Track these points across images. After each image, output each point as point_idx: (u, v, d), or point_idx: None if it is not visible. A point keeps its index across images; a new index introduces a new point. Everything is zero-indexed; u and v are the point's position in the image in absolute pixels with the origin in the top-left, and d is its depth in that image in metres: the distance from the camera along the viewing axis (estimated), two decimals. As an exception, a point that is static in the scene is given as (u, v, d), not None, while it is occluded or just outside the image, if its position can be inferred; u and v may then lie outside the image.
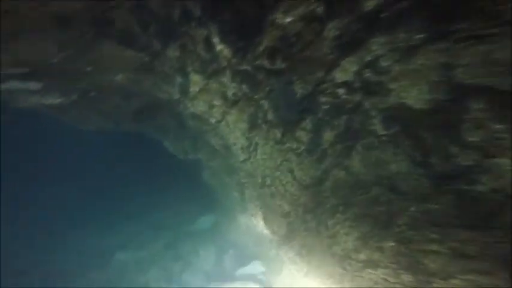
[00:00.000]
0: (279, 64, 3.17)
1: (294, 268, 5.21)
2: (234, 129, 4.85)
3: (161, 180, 8.58)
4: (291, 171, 4.14)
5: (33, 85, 4.38)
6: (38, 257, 6.76)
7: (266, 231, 5.47)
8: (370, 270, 2.56)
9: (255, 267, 6.34)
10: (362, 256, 2.79)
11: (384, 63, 2.24)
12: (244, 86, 4.08)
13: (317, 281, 4.71)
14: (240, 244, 6.69)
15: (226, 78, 4.23)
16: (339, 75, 2.72)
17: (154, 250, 6.71)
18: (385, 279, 2.31)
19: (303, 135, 3.70)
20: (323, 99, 3.12)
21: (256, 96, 4.03)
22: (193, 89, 4.72)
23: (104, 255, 6.60)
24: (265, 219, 5.32)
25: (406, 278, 2.13)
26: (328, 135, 3.39)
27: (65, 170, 10.04)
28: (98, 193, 8.83)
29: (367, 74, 2.42)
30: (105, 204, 8.41)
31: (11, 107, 4.81)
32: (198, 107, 4.96)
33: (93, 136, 7.71)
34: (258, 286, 5.80)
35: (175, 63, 4.62)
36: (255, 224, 5.74)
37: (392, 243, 2.31)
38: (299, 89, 3.24)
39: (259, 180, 4.83)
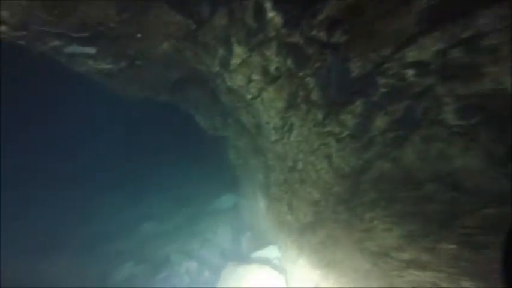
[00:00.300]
0: (338, 37, 2.87)
1: (314, 257, 5.05)
2: (269, 107, 4.63)
3: (188, 155, 8.66)
4: (328, 157, 3.89)
5: (90, 49, 4.50)
6: (70, 223, 7.10)
7: (289, 218, 5.32)
8: (414, 271, 2.32)
9: (271, 252, 6.26)
10: (405, 255, 2.55)
11: (487, 42, 1.88)
12: (289, 61, 3.81)
13: (338, 273, 4.53)
14: (258, 227, 6.63)
15: (270, 51, 3.98)
16: (412, 54, 2.38)
17: (176, 224, 6.84)
18: (435, 283, 2.07)
19: (348, 119, 3.41)
20: (382, 80, 2.79)
21: (301, 73, 3.76)
22: (235, 61, 4.52)
23: (132, 224, 6.83)
24: (289, 205, 5.16)
25: (469, 285, 1.88)
26: (379, 122, 3.09)
27: (98, 139, 10.33)
28: (129, 162, 9.11)
29: (455, 54, 2.06)
30: (136, 174, 8.66)
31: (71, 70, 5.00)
32: (236, 81, 4.77)
33: (130, 105, 7.86)
34: (273, 270, 5.71)
35: (220, 33, 4.43)
36: (277, 209, 5.60)
37: (453, 246, 2.04)
38: (356, 68, 2.93)
39: (290, 164, 4.64)
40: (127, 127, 9.95)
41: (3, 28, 3.91)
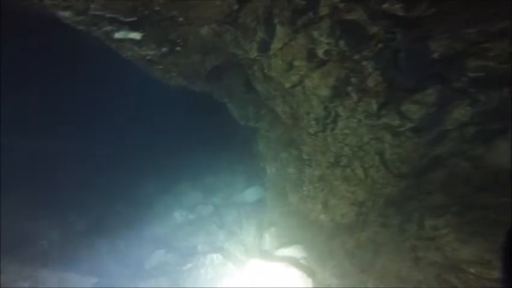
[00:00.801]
0: (421, 10, 2.37)
1: (349, 261, 4.61)
2: (311, 96, 4.19)
3: (218, 144, 8.44)
4: (381, 153, 3.42)
5: (135, 35, 4.40)
6: (107, 207, 6.99)
7: (322, 217, 4.89)
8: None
9: (297, 251, 5.86)
10: (495, 273, 2.08)
11: None
12: (342, 42, 3.35)
13: (377, 281, 4.07)
14: (284, 224, 6.26)
15: (319, 32, 3.52)
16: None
17: (202, 215, 6.63)
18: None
19: (414, 110, 2.92)
20: (474, 63, 2.29)
21: (356, 56, 3.28)
22: (275, 45, 4.10)
23: (164, 212, 6.64)
24: (324, 203, 4.73)
25: None
26: (459, 113, 2.58)
27: (135, 125, 10.06)
28: (161, 149, 8.95)
29: None
30: (167, 161, 8.52)
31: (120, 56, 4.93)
32: (275, 67, 4.36)
33: (165, 94, 7.64)
34: (300, 271, 5.32)
35: (261, 13, 4.02)
36: (309, 207, 5.19)
37: None
38: (438, 47, 2.43)
39: (331, 160, 4.19)
40: (163, 115, 9.73)
41: (68, 13, 3.85)
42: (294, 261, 5.82)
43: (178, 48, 4.70)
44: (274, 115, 5.71)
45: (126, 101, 9.54)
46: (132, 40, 4.43)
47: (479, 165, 2.49)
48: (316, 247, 5.52)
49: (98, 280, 5.12)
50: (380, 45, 2.91)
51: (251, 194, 7.00)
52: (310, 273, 5.44)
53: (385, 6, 2.59)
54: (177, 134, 9.20)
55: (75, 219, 6.35)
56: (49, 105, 8.38)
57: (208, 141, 8.62)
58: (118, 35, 4.31)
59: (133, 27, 4.23)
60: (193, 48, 4.78)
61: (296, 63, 4.07)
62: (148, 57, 4.86)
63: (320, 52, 3.66)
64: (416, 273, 3.32)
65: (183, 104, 8.62)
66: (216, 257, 5.34)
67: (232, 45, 4.74)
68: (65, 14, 3.92)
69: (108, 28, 4.20)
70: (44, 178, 7.01)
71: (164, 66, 5.72)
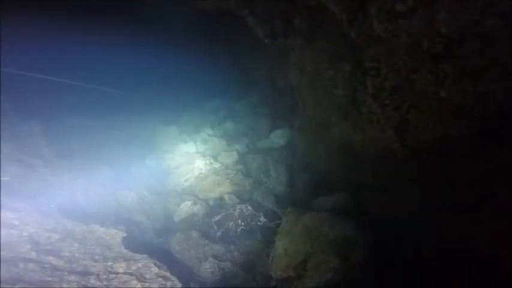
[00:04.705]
0: None
1: (433, 213, 2.96)
2: None
3: (237, 82, 6.73)
4: None
5: None
6: (133, 156, 5.56)
7: (394, 146, 3.17)
8: None
9: (342, 200, 4.25)
10: None
11: None
12: None
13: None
14: (322, 167, 4.62)
15: None
16: None
17: (226, 162, 5.17)
18: None
19: None
20: None
21: None
22: None
23: (187, 160, 5.19)
24: (401, 126, 2.99)
25: None
26: None
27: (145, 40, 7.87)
28: (183, 95, 7.22)
29: None
30: (191, 105, 6.84)
31: None
32: None
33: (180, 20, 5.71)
34: (350, 221, 3.71)
35: None
36: (369, 136, 3.47)
37: None
38: None
39: (435, 49, 2.35)
40: (174, 34, 7.62)
41: None
42: (337, 211, 4.22)
43: None
44: (313, 22, 3.76)
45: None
46: None
47: None
48: (370, 194, 3.88)
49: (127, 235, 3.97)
50: None
51: (278, 137, 5.37)
52: (363, 224, 3.81)
53: None
54: (180, 66, 7.24)
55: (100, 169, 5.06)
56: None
57: (223, 81, 6.88)
58: None
59: None
60: None
61: None
62: None
63: None
64: None
65: (191, 29, 6.59)
66: (245, 208, 3.87)
67: None
68: None
69: None
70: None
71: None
